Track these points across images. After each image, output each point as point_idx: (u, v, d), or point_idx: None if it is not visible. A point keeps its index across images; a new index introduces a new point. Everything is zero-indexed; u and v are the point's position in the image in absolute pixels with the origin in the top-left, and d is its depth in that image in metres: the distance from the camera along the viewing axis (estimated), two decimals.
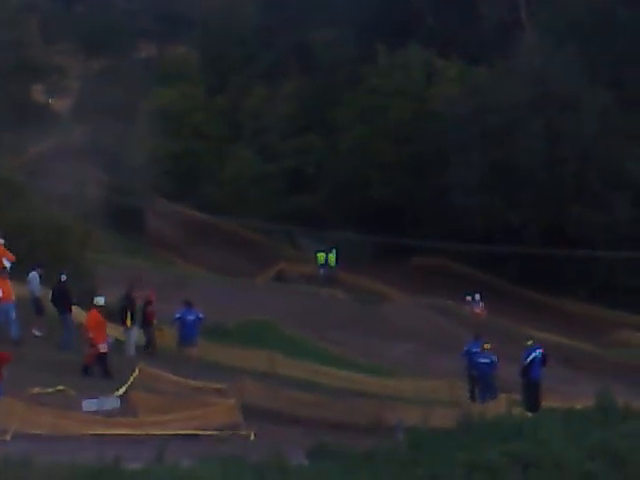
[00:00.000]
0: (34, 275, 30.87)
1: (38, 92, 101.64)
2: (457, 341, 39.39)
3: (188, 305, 32.75)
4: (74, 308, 30.92)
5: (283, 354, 34.58)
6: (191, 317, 32.79)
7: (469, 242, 57.72)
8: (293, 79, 79.26)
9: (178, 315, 32.96)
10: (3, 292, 28.29)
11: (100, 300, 28.83)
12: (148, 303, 32.95)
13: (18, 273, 31.06)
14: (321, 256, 61.99)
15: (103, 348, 28.20)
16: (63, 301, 29.91)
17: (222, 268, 61.98)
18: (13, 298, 29.01)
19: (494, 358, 30.87)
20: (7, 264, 29.69)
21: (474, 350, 31.38)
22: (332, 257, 61.55)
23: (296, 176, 73.43)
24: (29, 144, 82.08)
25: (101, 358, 28.13)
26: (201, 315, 33.19)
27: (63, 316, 30.02)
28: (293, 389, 29.83)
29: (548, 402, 28.55)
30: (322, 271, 61.58)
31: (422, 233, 60.84)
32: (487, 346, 31.31)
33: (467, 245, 57.62)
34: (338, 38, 79.07)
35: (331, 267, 61.55)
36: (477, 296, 52.69)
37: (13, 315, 28.61)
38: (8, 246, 31.11)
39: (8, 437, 22.43)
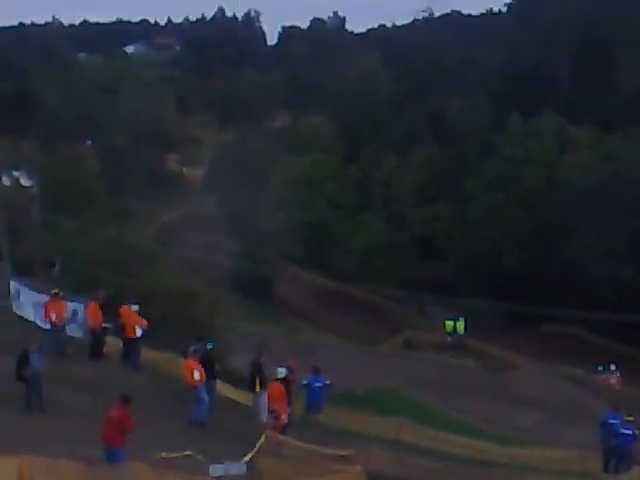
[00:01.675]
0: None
1: (173, 162, 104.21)
2: (587, 411, 38.18)
3: (316, 372, 32.48)
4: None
5: (410, 421, 34.06)
6: (318, 384, 32.50)
7: (600, 310, 56.44)
8: (424, 147, 79.22)
9: (305, 382, 32.73)
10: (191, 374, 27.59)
11: (282, 372, 28.68)
12: (290, 371, 32.73)
13: (151, 340, 31.12)
14: (449, 324, 61.34)
15: (285, 419, 28.12)
16: (209, 369, 29.70)
17: (351, 334, 61.79)
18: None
19: (636, 431, 29.83)
20: (139, 332, 29.83)
21: (613, 421, 30.36)
22: (460, 325, 60.84)
23: (425, 244, 73.09)
24: (162, 212, 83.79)
25: (284, 429, 28.02)
26: (328, 382, 32.89)
27: (208, 384, 29.73)
28: (420, 457, 29.22)
29: None
30: (450, 339, 60.85)
31: (552, 301, 59.78)
32: (630, 418, 30.31)
33: (598, 313, 56.34)
34: (471, 106, 78.94)
35: (459, 335, 60.81)
36: (612, 366, 51.23)
37: (203, 396, 28.04)
38: (141, 312, 31.35)
39: None
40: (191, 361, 26.47)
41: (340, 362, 44.57)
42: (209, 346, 28.97)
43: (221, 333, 40.36)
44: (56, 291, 29.54)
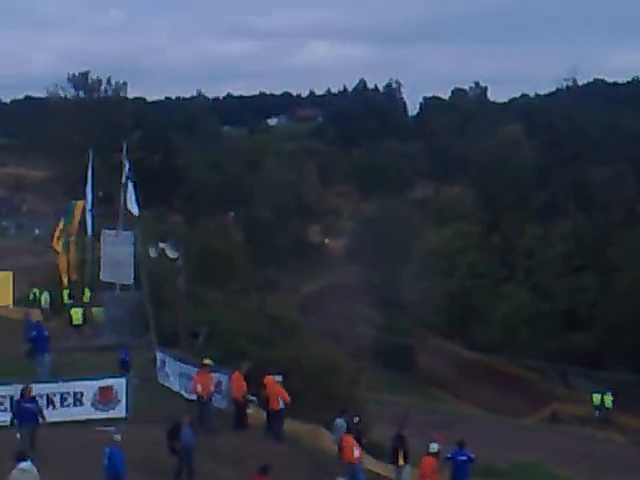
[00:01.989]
0: (340, 422, 30.02)
1: (314, 232, 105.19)
2: None
3: (460, 445, 32.03)
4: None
5: None
6: (463, 458, 31.98)
7: None
8: (568, 217, 78.20)
9: (449, 455, 32.29)
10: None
11: (434, 447, 28.44)
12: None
13: (293, 411, 31.12)
14: (596, 397, 59.89)
15: None
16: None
17: (492, 406, 60.93)
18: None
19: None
20: (282, 404, 29.88)
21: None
22: (608, 398, 59.33)
23: (570, 315, 71.82)
24: (304, 282, 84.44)
25: None
26: (472, 455, 32.38)
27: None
28: None
29: None
30: (597, 413, 59.40)
31: None
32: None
33: None
34: (615, 175, 77.76)
35: (607, 408, 59.31)
36: None
37: (362, 476, 27.94)
38: (284, 383, 31.41)
39: None
40: (349, 438, 26.35)
41: (482, 434, 43.97)
42: (355, 419, 28.85)
43: (362, 404, 40.26)
44: (207, 362, 29.87)
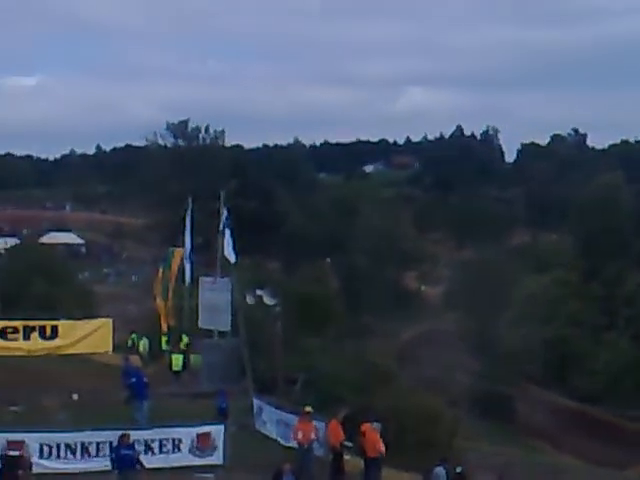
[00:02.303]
0: (440, 470, 29.57)
1: (411, 279, 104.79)
2: None
3: None
4: None
5: None
6: None
7: None
8: None
9: None
10: None
11: None
12: None
13: (390, 459, 30.73)
14: None
15: None
16: None
17: (594, 457, 59.61)
18: None
19: None
20: (382, 450, 29.54)
21: None
22: None
23: None
24: (401, 329, 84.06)
25: None
26: None
27: None
28: None
29: None
30: None
31: None
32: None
33: None
34: None
35: None
36: None
37: None
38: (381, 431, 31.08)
39: None
40: None
41: None
42: (458, 469, 28.36)
43: (461, 453, 39.71)
44: (308, 409, 29.77)
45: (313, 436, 28.75)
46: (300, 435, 28.49)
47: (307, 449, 28.65)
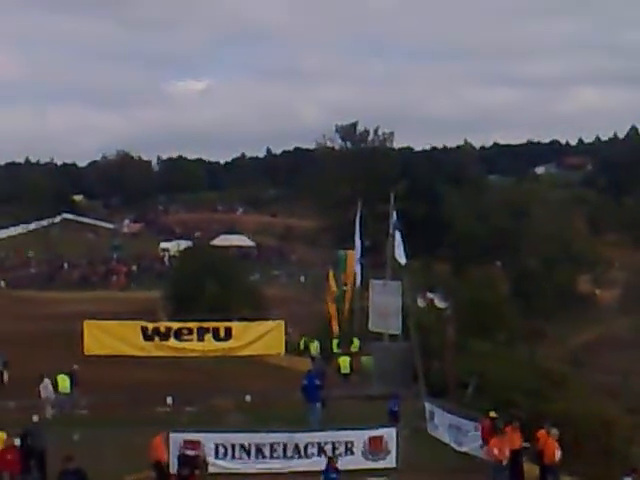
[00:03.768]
0: None
1: (584, 282, 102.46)
2: None
3: None
4: None
5: None
6: None
7: None
8: None
9: None
10: None
11: None
12: None
13: (566, 467, 29.92)
14: None
15: None
16: None
17: None
18: None
19: None
20: (559, 457, 28.73)
21: None
22: None
23: None
24: (573, 334, 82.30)
25: None
26: None
27: None
28: None
29: None
30: None
31: None
32: None
33: None
34: None
35: None
36: None
37: None
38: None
39: None
40: None
41: None
42: None
43: (637, 462, 38.43)
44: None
45: (507, 453, 27.24)
46: (496, 451, 27.22)
47: (503, 467, 27.35)
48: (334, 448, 29.28)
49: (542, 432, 28.10)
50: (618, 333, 77.57)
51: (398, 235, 41.54)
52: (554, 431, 28.06)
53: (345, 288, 44.75)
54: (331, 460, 25.42)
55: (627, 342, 71.39)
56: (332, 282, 44.96)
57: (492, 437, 28.77)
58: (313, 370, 38.07)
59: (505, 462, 27.10)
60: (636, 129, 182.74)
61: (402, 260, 41.18)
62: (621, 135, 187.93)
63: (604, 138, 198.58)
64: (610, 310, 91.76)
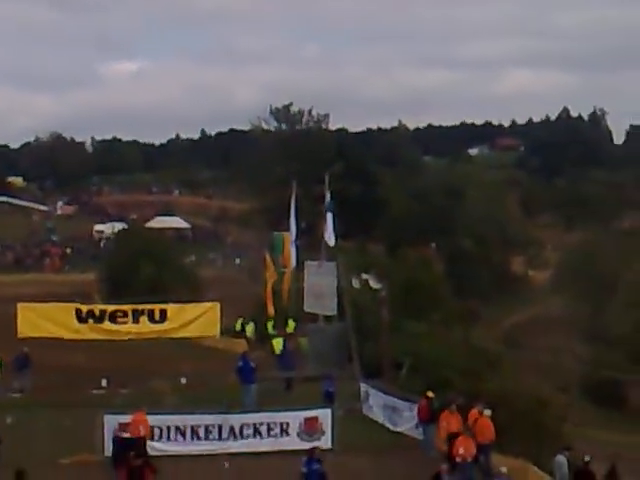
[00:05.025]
0: (562, 459, 28.78)
1: (517, 263, 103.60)
2: None
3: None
4: None
5: None
6: None
7: None
8: None
9: None
10: None
11: None
12: None
13: (498, 446, 30.25)
14: None
15: None
16: None
17: None
18: None
19: None
20: (493, 436, 28.99)
21: None
22: None
23: None
24: (507, 314, 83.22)
25: None
26: None
27: None
28: None
29: None
30: None
31: None
32: None
33: None
34: None
35: None
36: None
37: None
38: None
39: None
40: None
41: None
42: (587, 459, 27.58)
43: (570, 441, 39.02)
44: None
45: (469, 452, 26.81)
46: (461, 450, 26.71)
47: (469, 464, 26.99)
48: (269, 429, 29.42)
49: (474, 411, 28.39)
50: (550, 313, 78.58)
51: (330, 216, 41.60)
52: (487, 411, 28.37)
53: (284, 270, 44.60)
54: (312, 451, 25.32)
55: (559, 322, 72.39)
56: (269, 264, 44.81)
57: (428, 416, 29.13)
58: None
59: (470, 459, 26.95)
60: (568, 111, 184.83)
61: (331, 242, 41.26)
62: (553, 117, 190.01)
63: (537, 120, 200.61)
64: (542, 291, 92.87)
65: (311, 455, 25.06)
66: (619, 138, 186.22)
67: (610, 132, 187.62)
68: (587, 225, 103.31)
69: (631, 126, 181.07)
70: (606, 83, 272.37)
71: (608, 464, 31.06)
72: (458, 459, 26.59)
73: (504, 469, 26.38)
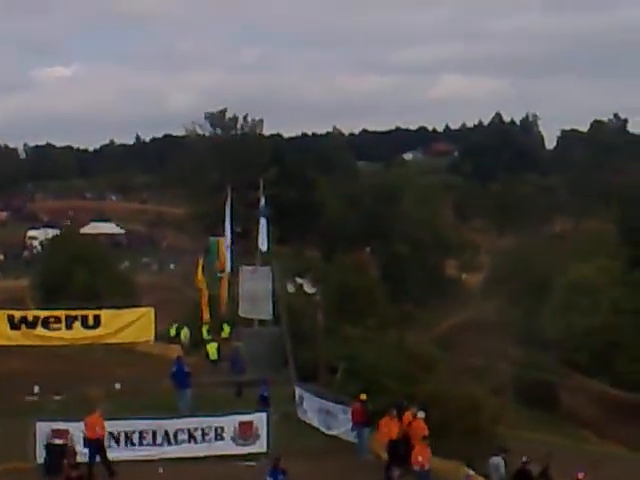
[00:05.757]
0: (498, 460, 28.80)
1: (452, 267, 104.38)
2: None
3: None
4: None
5: None
6: None
7: None
8: None
9: None
10: None
11: None
12: None
13: (433, 448, 30.43)
14: None
15: None
16: None
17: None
18: None
19: None
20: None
21: None
22: None
23: None
24: (442, 318, 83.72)
25: None
26: None
27: None
28: None
29: None
30: None
31: None
32: None
33: None
34: None
35: None
36: None
37: None
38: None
39: None
40: None
41: (629, 475, 42.71)
42: (524, 459, 27.92)
43: (504, 442, 39.41)
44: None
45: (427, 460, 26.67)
46: (420, 459, 26.58)
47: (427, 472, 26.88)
48: (204, 434, 29.37)
49: (408, 414, 28.58)
50: (484, 316, 79.11)
51: (264, 221, 41.74)
52: (421, 414, 28.58)
53: (220, 275, 44.60)
54: (277, 461, 25.09)
55: (492, 325, 72.88)
56: (199, 269, 44.77)
57: (362, 419, 29.28)
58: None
59: (427, 467, 26.80)
60: (500, 116, 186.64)
61: (263, 247, 41.49)
62: (486, 122, 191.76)
63: (470, 125, 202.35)
64: (476, 294, 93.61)
65: (275, 465, 24.93)
66: (551, 143, 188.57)
67: (542, 137, 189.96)
68: (519, 229, 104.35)
69: (562, 131, 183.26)
70: (538, 89, 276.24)
71: (541, 464, 31.43)
72: (416, 467, 26.62)
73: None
